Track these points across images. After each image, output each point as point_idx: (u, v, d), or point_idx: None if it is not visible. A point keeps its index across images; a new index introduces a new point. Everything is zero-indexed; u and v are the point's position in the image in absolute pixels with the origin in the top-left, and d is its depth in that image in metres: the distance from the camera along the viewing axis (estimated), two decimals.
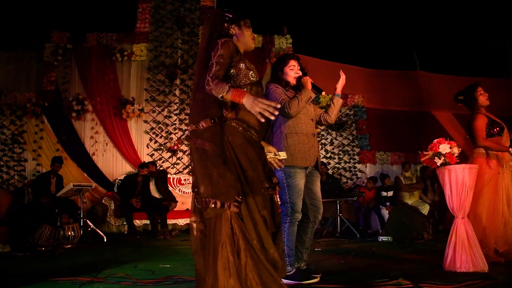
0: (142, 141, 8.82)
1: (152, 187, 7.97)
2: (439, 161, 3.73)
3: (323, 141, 9.53)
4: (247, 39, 2.58)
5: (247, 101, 2.17)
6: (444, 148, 3.67)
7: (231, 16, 2.57)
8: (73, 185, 6.42)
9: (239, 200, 2.19)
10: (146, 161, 8.55)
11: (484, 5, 10.19)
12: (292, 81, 3.53)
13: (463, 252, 3.62)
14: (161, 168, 8.60)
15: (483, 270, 3.61)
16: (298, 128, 3.44)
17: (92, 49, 8.88)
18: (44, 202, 6.73)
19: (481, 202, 4.15)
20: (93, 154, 8.61)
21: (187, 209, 8.05)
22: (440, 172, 3.82)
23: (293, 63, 3.55)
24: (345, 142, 9.69)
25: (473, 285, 3.09)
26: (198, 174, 2.30)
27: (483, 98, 4.44)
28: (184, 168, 8.81)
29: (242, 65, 2.44)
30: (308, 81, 3.48)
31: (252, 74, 2.44)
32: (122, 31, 9.06)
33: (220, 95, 2.23)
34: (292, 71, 3.54)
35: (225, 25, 2.56)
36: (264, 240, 2.27)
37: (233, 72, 2.42)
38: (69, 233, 5.92)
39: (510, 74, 11.25)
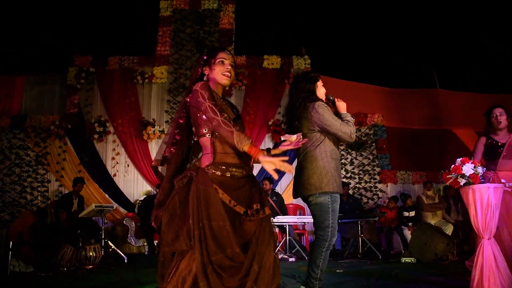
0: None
1: None
2: (462, 181, 3.67)
3: (343, 161, 9.47)
4: (216, 75, 2.53)
5: (263, 159, 2.26)
6: (468, 169, 3.61)
7: (205, 57, 2.59)
8: (95, 206, 6.50)
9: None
10: None
11: (506, 23, 10.12)
12: (323, 98, 3.48)
13: (491, 274, 3.52)
14: None
15: None
16: (335, 153, 3.36)
17: (114, 72, 9.09)
18: (64, 221, 6.81)
19: None
20: (114, 175, 8.72)
21: None
22: (464, 192, 3.75)
23: (321, 80, 3.55)
24: (365, 161, 9.60)
25: None
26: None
27: (494, 122, 4.49)
28: None
29: (219, 102, 2.47)
30: (344, 104, 3.51)
31: (225, 116, 2.39)
32: (143, 54, 9.27)
33: (240, 146, 2.28)
34: (323, 89, 3.50)
35: (199, 70, 2.59)
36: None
37: (204, 116, 2.41)
38: (91, 254, 5.97)
39: None
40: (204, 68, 2.58)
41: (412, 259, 6.38)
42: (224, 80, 2.54)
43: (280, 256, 7.08)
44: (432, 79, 10.47)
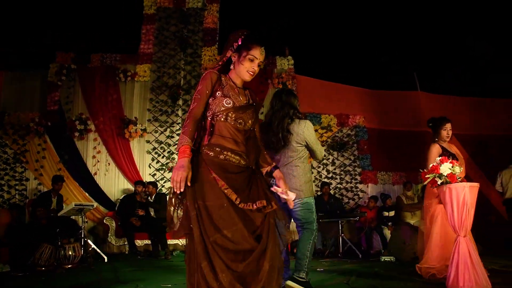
0: (144, 161, 8.85)
1: (151, 207, 7.90)
2: (439, 180, 3.75)
3: (324, 161, 9.55)
4: (241, 69, 2.53)
5: (174, 169, 2.31)
6: (445, 169, 3.69)
7: (240, 43, 2.56)
8: (75, 205, 6.41)
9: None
10: (148, 181, 8.56)
11: (487, 28, 10.33)
12: None
13: (466, 270, 3.60)
14: (162, 191, 8.53)
15: (486, 287, 3.59)
16: (309, 165, 3.94)
17: (96, 69, 9.00)
18: (42, 220, 6.71)
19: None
20: (95, 173, 8.63)
21: None
22: (441, 191, 3.84)
23: None
24: (347, 162, 9.70)
25: None
26: None
27: (444, 134, 4.78)
28: None
29: (218, 93, 2.48)
30: None
31: (227, 101, 2.45)
32: (126, 52, 9.20)
33: (178, 147, 2.39)
34: None
35: (229, 53, 2.58)
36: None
37: (210, 100, 2.48)
38: (70, 253, 5.88)
39: (510, 94, 11.32)
40: (233, 55, 2.57)
41: (391, 258, 6.47)
42: (246, 77, 2.54)
43: None
44: (413, 82, 10.63)
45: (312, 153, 3.81)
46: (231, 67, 2.58)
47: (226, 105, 2.45)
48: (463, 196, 3.66)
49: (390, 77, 10.63)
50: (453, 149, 4.83)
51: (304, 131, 3.69)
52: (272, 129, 3.70)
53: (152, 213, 7.81)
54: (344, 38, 10.48)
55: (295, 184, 3.61)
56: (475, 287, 3.59)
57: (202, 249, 2.23)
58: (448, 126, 4.80)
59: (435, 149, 4.70)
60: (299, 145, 3.70)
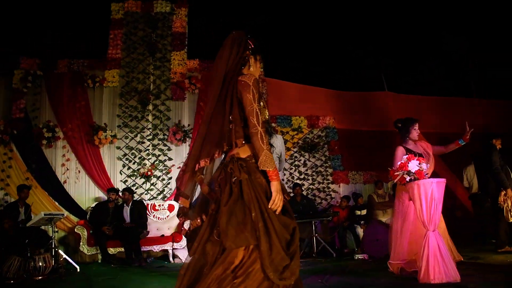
0: (115, 168, 8.71)
1: (126, 214, 7.79)
2: (408, 177, 3.86)
3: (296, 162, 9.63)
4: (255, 71, 2.55)
5: (277, 186, 2.30)
6: (413, 165, 3.81)
7: (252, 46, 2.55)
8: (44, 214, 6.24)
9: None
10: (121, 188, 8.44)
11: (453, 26, 10.66)
12: None
13: (436, 263, 3.71)
14: (138, 198, 8.43)
15: (455, 279, 3.72)
16: None
17: (63, 75, 8.81)
18: (9, 231, 6.53)
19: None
20: (65, 182, 8.43)
21: (162, 235, 7.94)
22: (410, 187, 3.95)
23: None
24: (318, 163, 9.81)
25: None
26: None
27: (415, 133, 4.97)
28: (158, 194, 8.72)
29: (261, 103, 2.43)
30: None
31: (266, 112, 2.49)
32: (93, 57, 9.04)
33: (264, 166, 2.30)
34: None
35: (247, 52, 2.53)
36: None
37: None
38: (40, 264, 5.72)
39: (473, 93, 11.72)
40: (251, 56, 2.54)
41: (365, 255, 6.59)
42: (257, 78, 2.48)
43: None
44: (380, 83, 10.87)
45: (281, 164, 4.37)
46: (250, 69, 2.55)
47: (266, 117, 2.47)
48: (431, 191, 3.78)
49: (358, 78, 10.83)
50: (422, 146, 4.96)
51: (282, 145, 4.33)
52: None
53: (127, 220, 7.70)
54: (313, 40, 10.62)
55: None
56: (445, 279, 3.71)
57: (268, 260, 2.19)
58: (417, 125, 4.99)
59: (400, 151, 4.83)
60: (276, 156, 4.21)
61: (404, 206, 4.56)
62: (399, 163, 4.09)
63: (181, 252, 7.65)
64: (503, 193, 5.99)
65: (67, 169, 8.50)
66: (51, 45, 9.02)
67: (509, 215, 5.83)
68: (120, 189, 8.41)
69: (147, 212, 8.16)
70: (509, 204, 5.84)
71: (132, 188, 8.38)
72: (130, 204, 7.82)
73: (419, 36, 10.88)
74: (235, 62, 2.50)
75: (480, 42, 11.22)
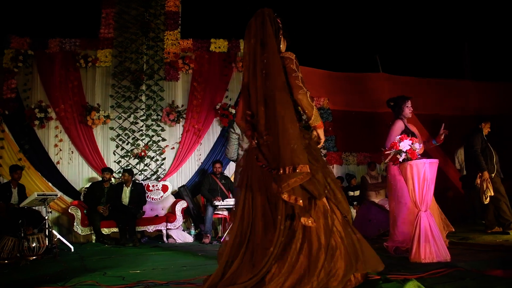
0: (109, 148, 8.68)
1: (125, 195, 7.81)
2: (401, 158, 3.87)
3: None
4: (283, 47, 2.93)
5: (322, 131, 2.91)
6: (405, 145, 3.82)
7: (280, 25, 2.83)
8: (37, 195, 6.24)
9: None
10: (114, 169, 8.44)
11: (444, 8, 10.60)
12: None
13: (427, 243, 3.76)
14: (137, 181, 8.42)
15: (445, 259, 3.77)
16: None
17: (55, 55, 8.69)
18: (2, 212, 6.51)
19: None
20: (58, 162, 8.41)
21: (156, 216, 7.97)
22: (403, 167, 3.96)
23: None
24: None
25: (437, 274, 3.21)
26: None
27: (407, 111, 5.04)
28: (152, 175, 8.72)
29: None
30: None
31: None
32: (85, 36, 8.91)
33: (315, 121, 2.83)
34: None
35: (280, 32, 2.83)
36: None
37: None
38: (34, 244, 5.74)
39: (465, 75, 11.73)
40: (282, 37, 2.91)
41: None
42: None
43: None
44: (375, 64, 10.83)
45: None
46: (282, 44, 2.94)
47: None
48: (424, 172, 3.80)
49: (353, 59, 10.79)
50: (413, 128, 5.00)
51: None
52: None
53: (126, 200, 7.72)
54: (308, 20, 10.52)
55: None
56: (436, 259, 3.76)
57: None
58: (409, 103, 5.04)
59: (399, 125, 4.89)
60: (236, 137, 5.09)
61: (398, 188, 4.59)
62: (391, 142, 4.10)
63: (175, 232, 7.69)
64: (479, 175, 6.09)
65: (60, 150, 8.46)
66: (42, 24, 8.88)
67: (484, 197, 5.93)
68: (115, 170, 8.41)
69: None
70: (485, 186, 5.94)
71: (132, 169, 8.39)
72: (130, 185, 7.84)
73: (414, 17, 10.82)
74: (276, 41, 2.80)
75: (475, 24, 11.19)
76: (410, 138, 3.91)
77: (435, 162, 3.94)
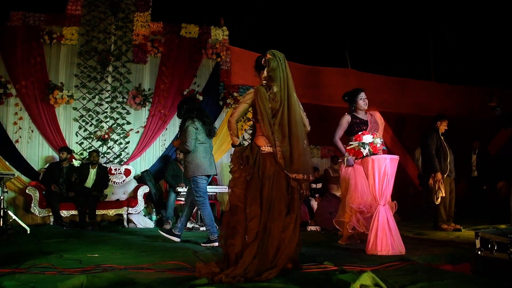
0: (71, 129, 8.44)
1: (90, 176, 7.68)
2: (364, 151, 3.97)
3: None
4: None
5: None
6: (367, 138, 3.92)
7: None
8: None
9: None
10: (76, 150, 8.24)
11: (414, 8, 10.83)
12: None
13: (384, 236, 3.88)
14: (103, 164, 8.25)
15: (401, 252, 3.91)
16: None
17: (17, 29, 8.32)
18: None
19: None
20: (17, 141, 8.11)
21: (118, 200, 7.86)
22: (365, 162, 4.06)
23: None
24: None
25: (391, 266, 3.33)
26: None
27: (361, 103, 5.15)
28: (115, 158, 8.56)
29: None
30: None
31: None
32: (51, 12, 8.58)
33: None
34: None
35: None
36: None
37: None
38: None
39: (431, 77, 12.07)
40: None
41: (317, 227, 6.78)
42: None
43: (191, 226, 7.15)
44: (344, 60, 10.97)
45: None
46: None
47: None
48: (384, 167, 3.91)
49: (323, 53, 10.89)
50: (376, 116, 5.08)
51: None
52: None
53: (90, 182, 7.58)
54: (280, 12, 10.52)
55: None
56: (391, 251, 3.89)
57: None
58: (363, 94, 5.17)
59: (346, 119, 5.07)
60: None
61: (352, 178, 4.67)
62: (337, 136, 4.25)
63: (136, 217, 7.62)
64: (432, 175, 6.32)
65: (20, 128, 8.16)
66: None
67: (435, 197, 6.15)
68: (76, 151, 8.22)
69: None
70: (437, 187, 6.16)
71: (86, 151, 8.21)
72: (96, 167, 7.70)
73: (384, 16, 11.01)
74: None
75: (441, 26, 11.51)
76: (372, 133, 4.01)
77: (395, 158, 4.06)
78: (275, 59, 3.41)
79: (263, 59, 3.44)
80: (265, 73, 3.40)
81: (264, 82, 3.43)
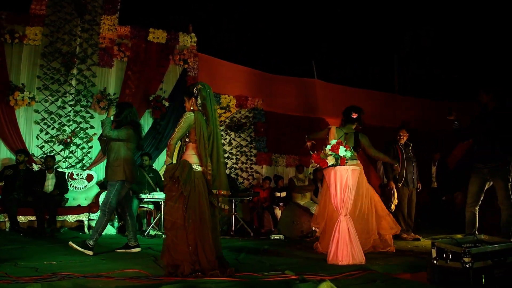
0: (32, 132, 8.18)
1: (49, 181, 7.44)
2: (331, 161, 4.04)
3: (222, 141, 9.65)
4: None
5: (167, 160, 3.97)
6: (342, 151, 4.00)
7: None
8: None
9: None
10: (36, 154, 8.00)
11: (381, 22, 11.14)
12: None
13: (345, 246, 3.96)
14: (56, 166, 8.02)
15: (361, 262, 4.00)
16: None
17: None
18: None
19: None
20: None
21: (79, 205, 7.67)
22: (327, 172, 4.14)
23: None
24: (243, 143, 9.93)
25: (351, 276, 3.40)
26: None
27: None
28: (77, 162, 8.36)
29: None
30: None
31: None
32: (13, 10, 8.32)
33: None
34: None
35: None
36: None
37: None
38: None
39: (396, 89, 12.42)
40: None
41: (281, 236, 6.82)
42: None
43: (154, 233, 7.05)
44: (311, 70, 11.14)
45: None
46: None
47: None
48: (346, 178, 3.99)
49: (291, 63, 11.04)
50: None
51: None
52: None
53: (50, 188, 7.35)
54: (249, 21, 10.61)
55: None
56: (352, 261, 3.97)
57: None
58: (356, 113, 5.60)
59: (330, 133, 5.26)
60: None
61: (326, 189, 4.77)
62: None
63: None
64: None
65: None
66: None
67: (389, 205, 6.33)
68: (36, 155, 7.98)
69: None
70: (391, 195, 6.37)
71: (49, 154, 7.98)
72: (52, 172, 7.49)
73: (352, 29, 11.27)
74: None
75: (405, 39, 11.88)
76: (345, 145, 4.09)
77: (357, 169, 4.15)
78: (205, 90, 3.85)
79: (195, 88, 3.84)
80: (199, 101, 3.81)
81: (192, 108, 3.81)
